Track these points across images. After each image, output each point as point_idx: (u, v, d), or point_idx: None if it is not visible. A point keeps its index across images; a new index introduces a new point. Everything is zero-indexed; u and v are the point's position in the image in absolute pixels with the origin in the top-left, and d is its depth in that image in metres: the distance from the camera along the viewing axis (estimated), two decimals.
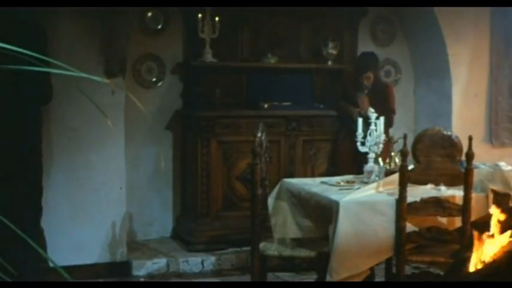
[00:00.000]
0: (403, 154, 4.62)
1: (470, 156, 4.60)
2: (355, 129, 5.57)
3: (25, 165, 5.21)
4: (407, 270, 4.96)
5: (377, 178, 5.21)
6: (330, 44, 7.44)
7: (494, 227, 3.17)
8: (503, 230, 3.11)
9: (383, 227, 4.65)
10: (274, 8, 7.03)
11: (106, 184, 6.26)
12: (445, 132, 4.83)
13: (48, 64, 1.75)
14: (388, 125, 6.73)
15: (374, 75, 7.20)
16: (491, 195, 4.82)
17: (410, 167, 4.75)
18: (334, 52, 7.47)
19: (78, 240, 6.13)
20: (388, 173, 5.21)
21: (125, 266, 6.37)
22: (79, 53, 5.92)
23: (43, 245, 5.22)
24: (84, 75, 1.63)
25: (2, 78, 4.57)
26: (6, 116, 4.99)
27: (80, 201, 6.15)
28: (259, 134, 5.04)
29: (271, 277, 5.65)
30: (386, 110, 6.77)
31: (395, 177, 4.71)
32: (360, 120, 5.54)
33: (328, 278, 4.61)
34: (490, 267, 3.02)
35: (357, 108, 7.06)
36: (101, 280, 6.09)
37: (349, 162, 6.79)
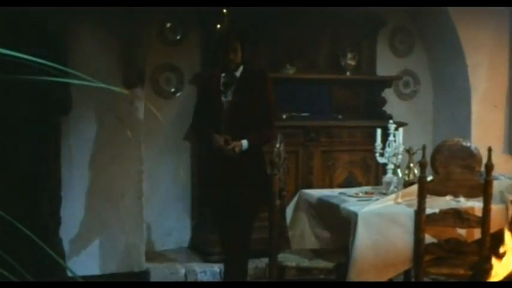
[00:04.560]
0: (422, 165, 4.60)
1: (489, 167, 4.57)
2: None
3: (44, 176, 5.23)
4: None
5: (395, 189, 5.20)
6: (349, 55, 7.44)
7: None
8: None
9: (402, 238, 4.64)
10: (292, 19, 7.03)
11: (124, 194, 6.26)
12: (464, 144, 4.82)
13: (67, 74, 1.75)
14: (268, 122, 5.47)
15: (243, 51, 5.50)
16: (511, 207, 4.80)
17: (429, 178, 4.73)
18: (353, 63, 7.47)
19: (96, 250, 6.15)
20: (407, 184, 5.20)
21: (143, 276, 6.37)
22: (98, 64, 5.94)
23: (61, 255, 5.23)
24: (103, 85, 1.63)
25: (21, 88, 4.60)
26: (26, 127, 5.02)
27: (99, 211, 6.16)
28: (277, 145, 5.04)
29: None
30: (264, 102, 5.43)
31: (414, 188, 4.69)
32: (379, 131, 5.53)
33: None
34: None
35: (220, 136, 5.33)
36: None
37: None
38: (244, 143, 5.27)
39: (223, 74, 5.46)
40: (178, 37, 7.08)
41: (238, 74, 5.44)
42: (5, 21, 4.88)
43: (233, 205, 5.34)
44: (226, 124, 5.34)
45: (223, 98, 5.41)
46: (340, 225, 4.86)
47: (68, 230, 5.73)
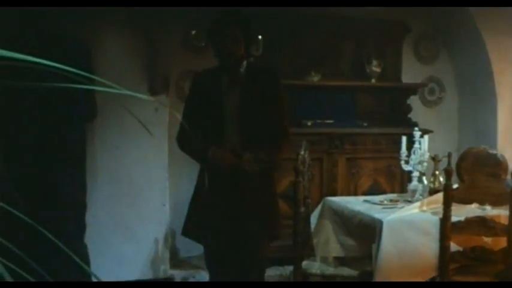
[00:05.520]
0: (448, 173, 4.57)
1: None
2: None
3: (69, 182, 5.25)
4: None
5: (421, 197, 5.18)
6: (374, 62, 7.42)
7: None
8: None
9: (427, 246, 4.61)
10: (316, 25, 7.03)
11: (149, 201, 6.28)
12: (490, 151, 4.78)
13: (92, 81, 1.76)
14: (283, 131, 4.48)
15: (246, 42, 4.44)
16: None
17: (455, 186, 4.70)
18: (378, 70, 7.45)
19: (121, 256, 6.16)
20: (432, 191, 5.17)
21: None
22: (122, 70, 5.97)
23: (86, 261, 5.24)
24: (129, 92, 1.63)
25: (46, 95, 4.63)
26: (51, 133, 5.04)
27: (123, 217, 6.18)
28: (302, 152, 5.03)
29: None
30: (278, 106, 4.47)
31: (440, 196, 4.66)
32: (404, 138, 5.50)
33: None
34: None
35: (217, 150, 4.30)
36: None
37: None
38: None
39: (223, 73, 4.45)
40: (203, 44, 7.10)
41: (242, 70, 4.43)
42: (28, 29, 4.91)
43: (236, 238, 4.40)
44: (230, 134, 4.36)
45: (225, 102, 4.37)
46: (364, 233, 4.84)
47: (93, 236, 5.74)
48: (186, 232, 4.69)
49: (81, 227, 5.44)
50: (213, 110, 4.36)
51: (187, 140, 4.42)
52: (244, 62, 4.44)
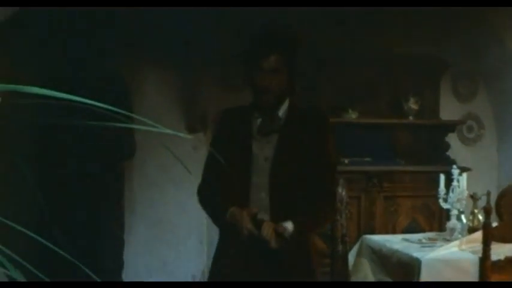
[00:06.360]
0: (487, 211, 4.53)
1: None
2: None
3: (108, 219, 5.29)
4: None
5: (460, 235, 5.13)
6: (411, 99, 7.40)
7: None
8: None
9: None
10: (353, 63, 7.04)
11: (187, 239, 6.30)
12: None
13: (131, 120, 1.78)
14: (327, 193, 3.60)
15: (290, 75, 3.53)
16: None
17: (494, 224, 4.65)
18: (416, 107, 7.43)
19: None
20: (471, 230, 5.12)
21: None
22: (161, 108, 6.03)
23: None
24: (168, 131, 1.65)
25: (86, 133, 4.68)
26: (90, 171, 5.09)
27: (161, 255, 6.20)
28: (339, 190, 5.02)
29: None
30: (323, 161, 3.52)
31: (479, 234, 4.61)
32: (442, 176, 5.47)
33: None
34: None
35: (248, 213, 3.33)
36: None
37: None
38: (289, 226, 3.33)
39: (256, 114, 3.58)
40: (240, 82, 7.14)
41: (281, 113, 3.55)
42: (69, 69, 5.00)
43: None
44: (257, 194, 3.48)
45: (255, 151, 3.49)
46: (403, 272, 4.80)
47: (130, 273, 5.76)
48: None
49: (119, 264, 5.47)
50: (239, 160, 3.45)
51: (208, 195, 3.66)
52: (286, 102, 3.59)
